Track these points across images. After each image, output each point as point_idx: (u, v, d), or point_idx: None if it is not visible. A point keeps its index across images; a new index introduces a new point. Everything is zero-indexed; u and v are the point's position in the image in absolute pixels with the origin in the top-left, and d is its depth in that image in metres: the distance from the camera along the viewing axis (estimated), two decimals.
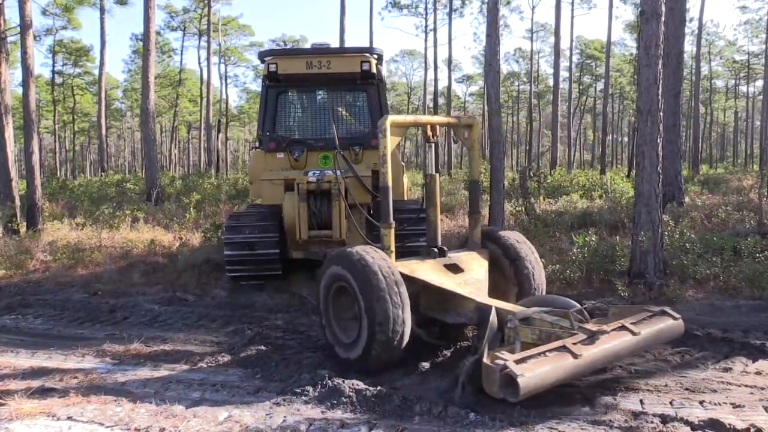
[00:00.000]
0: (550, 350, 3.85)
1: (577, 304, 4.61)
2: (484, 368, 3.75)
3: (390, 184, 4.95)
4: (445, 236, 11.97)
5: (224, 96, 47.87)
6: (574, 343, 3.93)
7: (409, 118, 5.26)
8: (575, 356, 3.80)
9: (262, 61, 7.90)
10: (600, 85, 52.38)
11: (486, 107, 21.94)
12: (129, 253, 10.59)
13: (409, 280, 4.67)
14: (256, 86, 56.95)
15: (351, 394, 4.18)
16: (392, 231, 4.94)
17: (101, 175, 28.95)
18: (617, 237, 9.35)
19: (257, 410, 4.05)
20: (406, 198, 8.27)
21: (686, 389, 4.32)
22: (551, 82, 42.79)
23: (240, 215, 7.54)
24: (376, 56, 7.89)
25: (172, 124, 54.35)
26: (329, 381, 4.36)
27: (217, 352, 5.42)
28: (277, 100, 7.96)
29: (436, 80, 35.46)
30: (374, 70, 7.76)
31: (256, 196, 8.26)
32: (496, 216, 9.65)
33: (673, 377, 4.58)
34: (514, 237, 5.59)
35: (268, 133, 7.78)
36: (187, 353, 5.41)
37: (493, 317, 4.29)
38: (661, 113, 7.56)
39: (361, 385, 4.32)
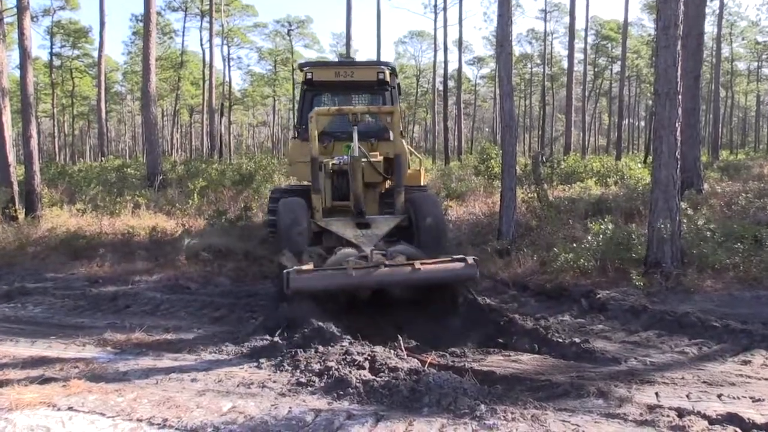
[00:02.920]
0: (333, 269, 6.11)
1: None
2: (283, 274, 5.86)
3: (316, 155, 7.57)
4: (455, 224, 11.95)
5: (227, 79, 47.85)
6: (354, 268, 6.01)
7: (333, 109, 7.96)
8: (348, 275, 5.94)
9: (301, 70, 10.12)
10: (616, 68, 51.96)
11: (497, 90, 21.86)
12: (131, 240, 10.64)
13: (325, 230, 7.42)
14: (260, 68, 56.88)
15: (358, 384, 4.20)
16: (319, 196, 7.76)
17: (101, 160, 29.05)
18: (633, 225, 9.32)
19: (262, 401, 4.07)
20: (422, 183, 10.31)
21: (704, 382, 4.31)
22: (565, 65, 42.45)
23: (281, 190, 9.79)
24: (389, 69, 10.03)
25: (173, 108, 54.38)
26: (336, 371, 4.38)
27: (220, 342, 5.45)
28: (312, 100, 9.98)
29: (446, 62, 35.23)
30: (388, 80, 9.80)
31: (293, 174, 10.46)
32: (508, 202, 9.63)
33: (690, 370, 4.57)
34: (421, 199, 7.65)
35: (304, 127, 9.41)
36: (190, 342, 5.44)
37: (338, 251, 6.72)
38: (680, 96, 7.49)
39: (368, 375, 4.34)
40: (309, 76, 9.81)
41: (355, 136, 7.60)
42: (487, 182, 19.81)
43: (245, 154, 46.91)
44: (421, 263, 6.12)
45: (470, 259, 6.16)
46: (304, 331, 5.33)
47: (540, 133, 49.47)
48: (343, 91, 10.12)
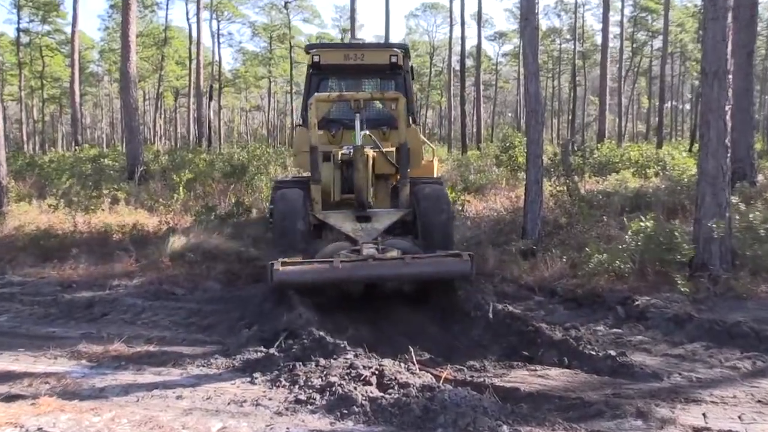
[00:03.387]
0: (319, 262, 6.68)
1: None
2: (267, 265, 6.48)
3: (317, 144, 8.22)
4: (473, 221, 11.93)
5: (216, 57, 48.00)
6: (342, 261, 6.54)
7: (334, 95, 8.50)
8: (334, 268, 6.43)
9: (308, 53, 10.44)
10: (657, 43, 51.62)
11: (522, 70, 21.72)
12: (108, 239, 10.68)
13: (323, 222, 8.08)
14: (254, 46, 57.11)
15: (364, 402, 4.20)
16: (318, 187, 8.36)
17: (75, 150, 29.17)
18: (676, 222, 9.25)
19: (256, 421, 4.08)
20: (436, 175, 10.62)
21: (758, 401, 4.29)
22: (599, 40, 42.31)
23: (286, 181, 10.10)
24: (402, 51, 10.28)
25: (156, 91, 54.58)
26: (339, 387, 4.38)
27: (209, 354, 5.46)
28: (319, 85, 10.24)
29: (463, 38, 35.20)
30: (401, 63, 10.06)
31: (298, 165, 10.92)
32: (534, 197, 9.61)
33: (742, 387, 4.54)
34: (426, 192, 8.13)
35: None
36: (175, 355, 5.46)
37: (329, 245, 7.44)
38: (731, 76, 7.43)
39: (376, 392, 4.33)
40: (316, 59, 10.13)
41: (358, 124, 8.06)
42: (509, 174, 19.76)
43: (237, 143, 47.07)
44: (412, 257, 6.70)
45: (465, 255, 6.60)
46: (303, 342, 5.34)
47: (570, 118, 49.31)
48: (353, 76, 10.44)
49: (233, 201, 13.49)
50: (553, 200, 12.04)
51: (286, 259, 6.60)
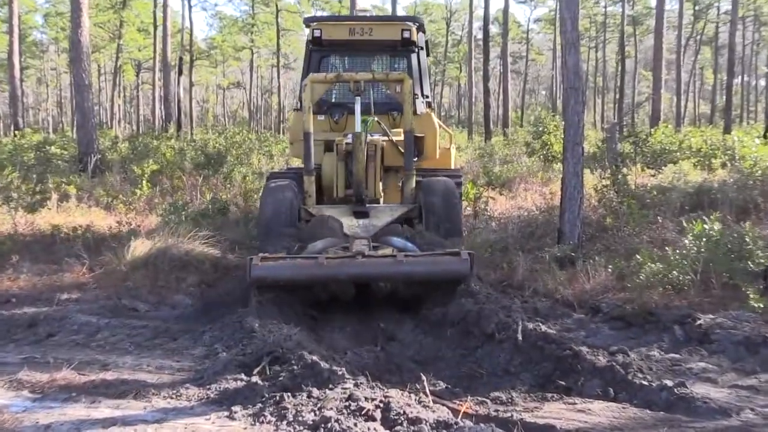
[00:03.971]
0: (303, 258, 7.23)
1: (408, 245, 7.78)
2: (247, 262, 7.03)
3: (311, 130, 8.77)
4: (499, 222, 11.91)
5: (187, 23, 48.07)
6: (327, 258, 7.06)
7: (330, 75, 8.99)
8: (318, 265, 6.96)
9: (307, 27, 10.85)
10: (725, 5, 51.52)
11: (558, 38, 21.60)
12: (56, 243, 10.71)
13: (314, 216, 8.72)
14: (233, 9, 57.28)
15: None
16: (312, 178, 8.95)
17: (14, 135, 29.22)
18: (747, 224, 9.23)
19: None
20: (453, 167, 11.35)
21: None
22: (653, 1, 42.19)
23: (279, 173, 10.76)
24: (417, 24, 10.76)
25: (114, 64, 54.73)
26: (336, 424, 4.38)
27: (179, 383, 5.46)
28: (320, 63, 10.81)
29: (486, 0, 35.13)
30: (414, 38, 10.56)
31: (296, 156, 11.34)
32: (572, 193, 9.60)
33: None
34: (432, 185, 8.82)
35: None
36: (137, 384, 5.46)
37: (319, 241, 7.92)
38: None
39: (381, 430, 4.33)
40: (317, 33, 10.59)
41: (358, 108, 8.68)
42: (543, 165, 19.78)
43: (212, 127, 47.11)
44: (405, 255, 7.20)
45: (464, 253, 7.04)
46: (292, 368, 5.34)
47: (617, 97, 49.21)
48: (359, 53, 10.99)
49: (208, 197, 13.53)
50: (596, 197, 12.02)
51: (266, 255, 7.16)
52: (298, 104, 10.87)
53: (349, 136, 9.19)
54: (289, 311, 7.25)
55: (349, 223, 8.43)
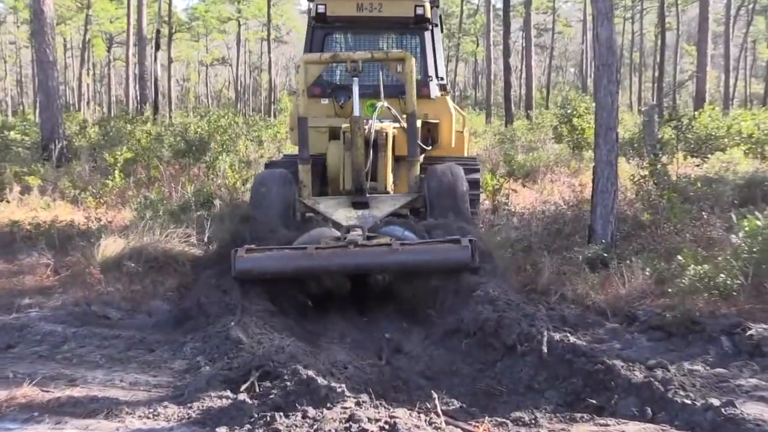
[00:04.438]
0: (291, 249, 7.66)
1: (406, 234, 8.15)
2: (231, 254, 7.46)
3: (305, 114, 9.15)
4: (521, 218, 11.86)
5: None
6: (317, 248, 7.44)
7: (326, 55, 9.43)
8: (308, 256, 7.34)
9: (311, 1, 11.17)
10: None
11: (589, 8, 21.44)
12: (15, 242, 10.71)
13: (311, 209, 9.22)
14: None
15: None
16: (307, 167, 9.32)
17: None
18: None
19: None
20: (467, 154, 11.98)
21: None
22: None
23: (277, 162, 11.27)
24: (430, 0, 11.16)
25: (82, 38, 54.74)
26: None
27: (156, 401, 5.46)
28: (324, 42, 11.23)
29: None
30: (428, 15, 10.93)
31: (296, 143, 11.06)
32: (605, 185, 9.57)
33: None
34: (437, 172, 9.25)
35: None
36: (108, 402, 5.46)
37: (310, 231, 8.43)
38: None
39: None
40: (320, 9, 10.97)
41: (356, 90, 9.05)
42: (571, 152, 19.74)
43: (194, 109, 47.13)
44: (401, 244, 7.60)
45: (464, 240, 7.43)
46: (285, 385, 5.34)
47: (656, 75, 49.08)
48: (366, 31, 11.45)
49: (189, 190, 13.52)
50: (632, 189, 11.99)
51: (251, 246, 7.58)
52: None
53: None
54: (281, 319, 7.26)
55: (347, 215, 8.70)
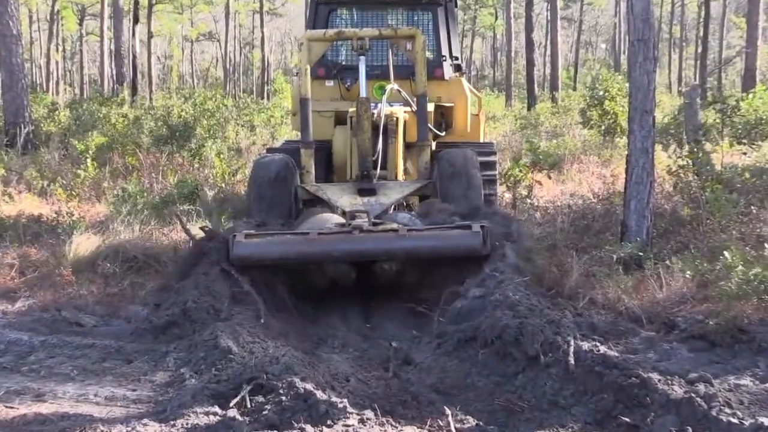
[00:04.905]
0: (292, 234, 8.10)
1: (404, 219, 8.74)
2: (229, 239, 7.89)
3: (309, 96, 9.64)
4: (545, 213, 11.86)
5: None
6: (320, 233, 7.91)
7: (331, 32, 9.85)
8: (310, 241, 7.78)
9: None
10: None
11: None
12: None
13: (313, 195, 9.59)
14: None
15: None
16: (310, 151, 9.75)
17: None
18: None
19: None
20: (482, 139, 12.44)
21: None
22: None
23: (276, 149, 11.59)
24: None
25: (50, 9, 54.77)
26: None
27: (135, 418, 5.47)
28: (328, 18, 11.53)
29: None
30: None
31: (299, 129, 11.72)
32: (640, 175, 9.53)
33: None
34: (448, 156, 9.68)
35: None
36: (81, 419, 5.47)
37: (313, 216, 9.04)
38: None
39: None
40: None
41: (362, 70, 9.56)
42: (602, 139, 19.70)
43: (177, 91, 47.12)
44: (408, 229, 8.02)
45: (475, 226, 7.89)
46: (280, 399, 5.34)
47: (700, 51, 48.95)
48: (374, 6, 11.92)
49: (172, 180, 13.54)
50: (670, 181, 11.96)
51: (250, 231, 8.02)
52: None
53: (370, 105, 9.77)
54: (276, 326, 7.26)
55: (352, 202, 9.11)
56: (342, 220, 8.57)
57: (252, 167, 9.80)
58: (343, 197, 9.18)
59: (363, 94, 9.33)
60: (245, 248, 7.73)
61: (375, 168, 9.82)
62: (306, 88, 9.59)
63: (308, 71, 9.64)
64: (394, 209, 9.73)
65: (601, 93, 21.31)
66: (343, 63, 11.57)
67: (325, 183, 10.02)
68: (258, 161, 9.97)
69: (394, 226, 8.17)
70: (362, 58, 9.46)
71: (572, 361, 6.06)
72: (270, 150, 11.78)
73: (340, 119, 10.54)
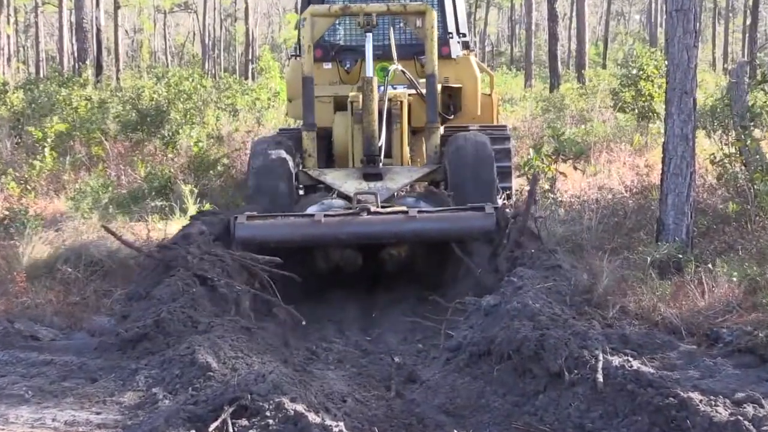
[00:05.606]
0: (296, 216, 8.80)
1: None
2: (231, 221, 8.67)
3: (309, 73, 10.12)
4: (570, 208, 11.88)
5: None
6: (326, 215, 8.53)
7: (335, 7, 10.37)
8: (315, 223, 8.40)
9: None
10: None
11: None
12: None
13: (316, 180, 10.26)
14: None
15: None
16: (312, 134, 10.33)
17: None
18: None
19: None
20: (495, 122, 12.88)
21: None
22: None
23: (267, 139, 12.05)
24: None
25: None
26: None
27: None
28: None
29: None
30: None
31: (294, 115, 12.94)
32: (679, 166, 9.55)
33: None
34: (460, 142, 10.05)
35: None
36: None
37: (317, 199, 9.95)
38: None
39: None
40: None
41: (369, 47, 9.85)
42: (635, 124, 19.67)
43: (149, 70, 47.11)
44: (418, 211, 8.60)
45: (489, 207, 8.57)
46: (266, 422, 5.35)
47: (748, 23, 48.93)
48: None
49: (142, 172, 13.55)
50: (714, 172, 11.96)
51: (253, 213, 8.63)
52: (297, 50, 12.19)
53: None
54: (262, 337, 7.27)
55: (358, 187, 9.63)
56: (348, 205, 9.03)
57: (251, 149, 10.42)
58: (347, 182, 9.66)
59: (369, 73, 9.61)
60: (248, 230, 8.31)
61: (379, 155, 10.19)
62: (309, 66, 9.98)
63: (311, 48, 9.99)
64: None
65: (634, 71, 21.29)
66: (342, 44, 11.94)
67: (328, 168, 10.55)
68: (258, 142, 10.53)
69: (403, 208, 8.67)
70: (369, 35, 9.78)
71: (601, 379, 6.08)
72: (262, 140, 12.06)
73: (339, 105, 10.92)
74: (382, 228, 8.51)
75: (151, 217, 11.53)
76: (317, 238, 8.58)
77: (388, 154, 10.45)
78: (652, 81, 20.10)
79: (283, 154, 9.88)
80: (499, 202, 10.23)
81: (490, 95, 12.57)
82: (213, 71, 57.75)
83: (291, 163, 9.93)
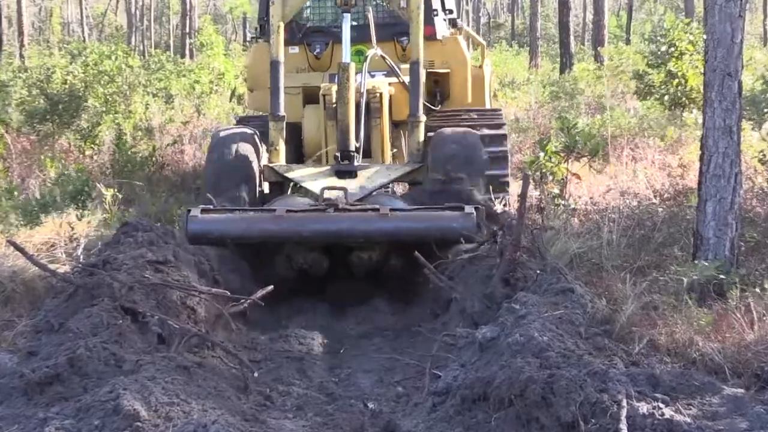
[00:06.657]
0: (255, 211, 9.67)
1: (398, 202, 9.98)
2: (184, 215, 9.60)
3: (281, 58, 10.65)
4: (586, 218, 11.92)
5: None
6: (288, 210, 9.21)
7: None
8: (275, 219, 9.09)
9: None
10: None
11: None
12: None
13: (282, 176, 10.95)
14: None
15: None
16: (281, 124, 10.83)
17: None
18: None
19: None
20: (489, 105, 13.14)
21: None
22: None
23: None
24: None
25: None
26: None
27: None
28: None
29: None
30: None
31: (256, 106, 13.53)
32: (720, 166, 9.58)
33: None
34: (446, 137, 10.50)
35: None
36: None
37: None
38: None
39: None
40: None
41: (346, 29, 10.28)
42: (666, 114, 19.77)
43: (61, 45, 47.11)
44: (392, 209, 9.11)
45: (468, 208, 9.06)
46: None
47: None
48: None
49: (53, 172, 13.54)
50: (764, 173, 12.03)
51: (208, 207, 9.05)
52: (258, 32, 12.67)
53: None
54: (204, 378, 7.27)
55: (324, 183, 9.90)
56: (310, 202, 9.48)
57: (210, 145, 10.68)
58: (317, 180, 10.01)
59: (346, 58, 9.98)
60: (202, 224, 8.77)
61: (355, 151, 10.38)
62: (277, 50, 10.32)
63: (281, 29, 10.37)
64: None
65: (664, 48, 21.41)
66: (310, 24, 12.27)
67: (295, 164, 10.87)
68: (218, 134, 10.79)
69: (375, 206, 9.00)
70: (346, 15, 10.12)
71: (625, 430, 6.11)
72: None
73: (309, 97, 11.36)
74: (349, 226, 8.89)
75: (61, 229, 11.52)
76: (277, 235, 8.95)
77: (367, 154, 10.85)
78: (685, 60, 20.23)
79: (246, 149, 10.25)
80: (499, 208, 10.45)
81: (480, 67, 12.92)
82: (141, 47, 57.78)
83: (256, 164, 10.32)
